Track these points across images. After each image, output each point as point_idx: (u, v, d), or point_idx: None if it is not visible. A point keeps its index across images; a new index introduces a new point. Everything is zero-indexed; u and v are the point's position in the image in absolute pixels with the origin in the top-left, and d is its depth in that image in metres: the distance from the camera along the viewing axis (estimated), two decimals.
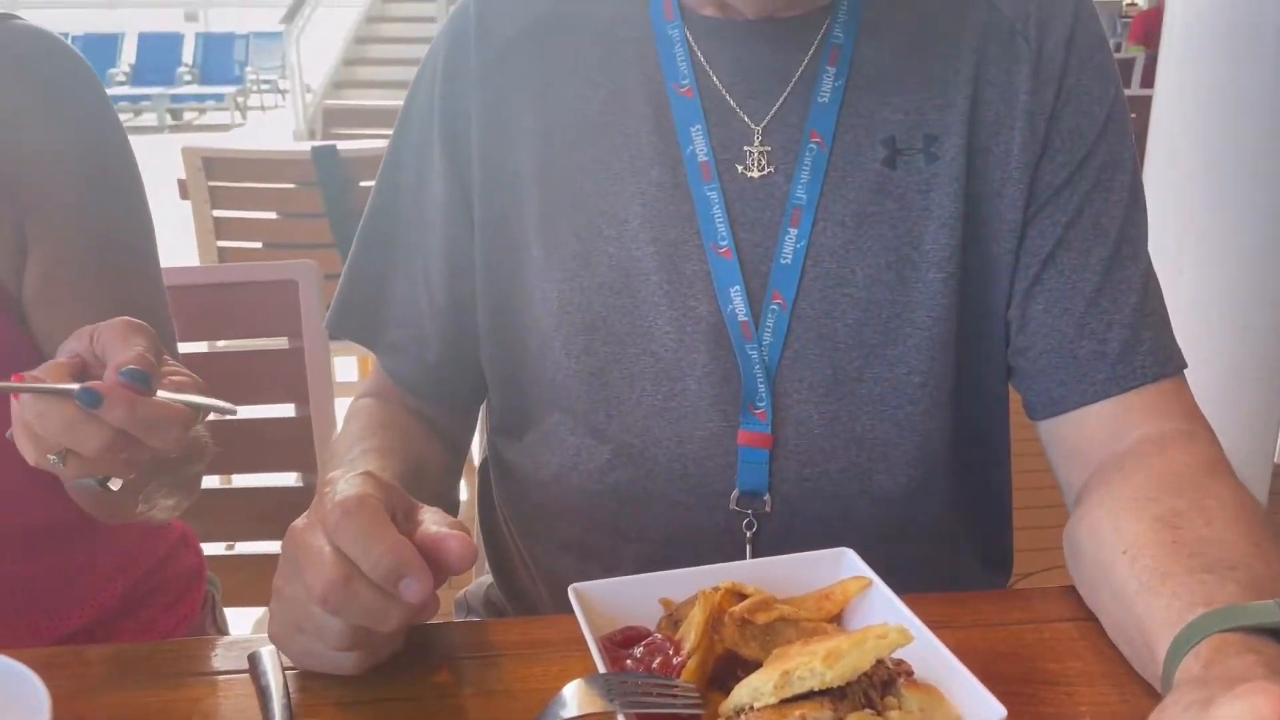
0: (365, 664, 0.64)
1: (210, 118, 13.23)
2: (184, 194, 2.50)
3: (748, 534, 0.82)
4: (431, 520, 0.64)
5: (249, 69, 13.62)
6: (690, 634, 0.59)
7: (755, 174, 0.81)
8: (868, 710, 0.52)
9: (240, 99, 13.31)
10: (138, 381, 0.61)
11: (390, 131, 0.93)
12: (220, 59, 13.53)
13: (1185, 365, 0.82)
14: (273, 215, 2.64)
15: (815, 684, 0.52)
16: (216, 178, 2.47)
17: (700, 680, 0.58)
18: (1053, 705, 0.63)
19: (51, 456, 0.62)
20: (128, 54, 13.42)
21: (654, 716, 0.55)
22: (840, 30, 0.82)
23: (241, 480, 1.51)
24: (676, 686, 0.57)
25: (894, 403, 0.82)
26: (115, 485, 0.68)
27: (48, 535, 0.91)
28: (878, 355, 0.81)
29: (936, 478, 0.86)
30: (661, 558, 0.82)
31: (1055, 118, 0.81)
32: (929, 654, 0.58)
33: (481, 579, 1.09)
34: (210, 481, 1.50)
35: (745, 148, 0.82)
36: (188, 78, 13.27)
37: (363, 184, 2.47)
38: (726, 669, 0.59)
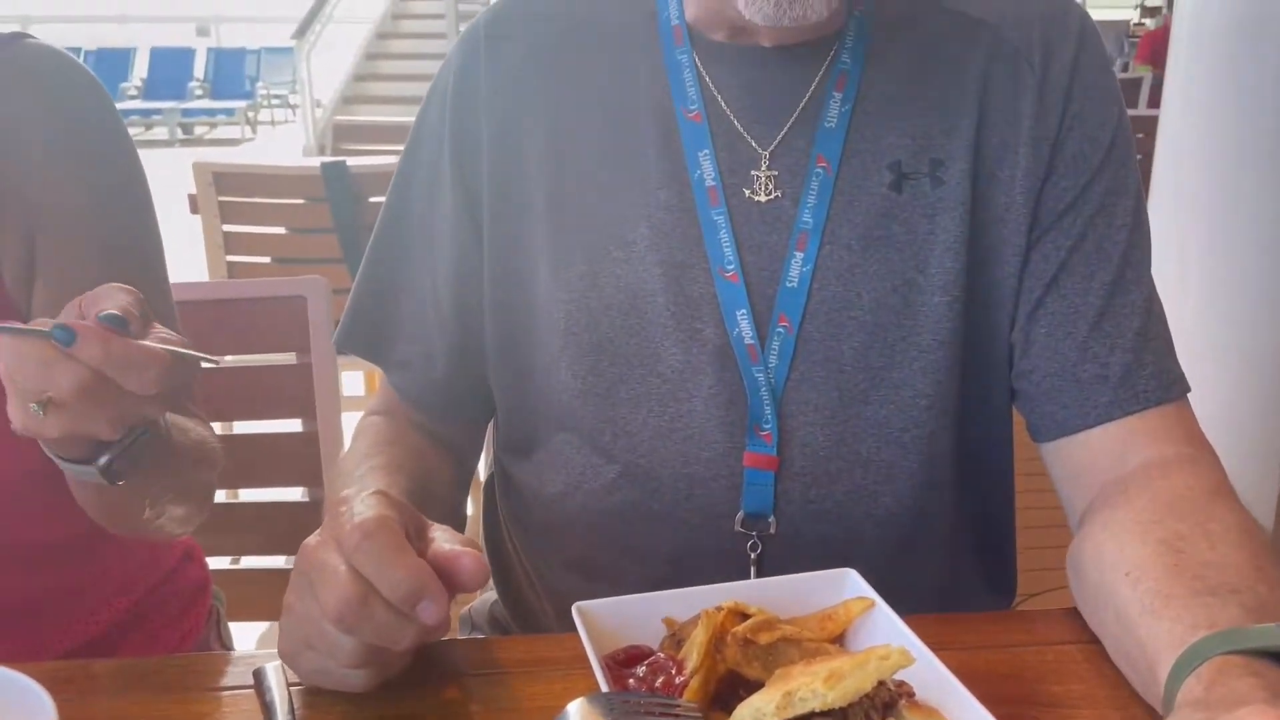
0: (374, 681, 0.64)
1: (221, 132, 13.31)
2: (194, 209, 2.52)
3: (752, 555, 0.83)
4: (443, 538, 0.65)
5: (260, 84, 13.70)
6: (693, 654, 0.60)
7: (762, 198, 0.82)
8: None
9: (251, 114, 13.38)
10: (114, 324, 0.61)
11: (399, 147, 0.94)
12: (231, 74, 13.62)
13: (1188, 389, 0.82)
14: (282, 230, 2.65)
15: (817, 705, 0.52)
16: (226, 193, 2.49)
17: (703, 700, 0.59)
18: None
19: (33, 405, 0.62)
20: (140, 69, 13.51)
21: None
22: (848, 56, 0.83)
23: (248, 494, 1.52)
24: (679, 706, 0.57)
25: (899, 425, 0.82)
26: (106, 462, 0.69)
27: (54, 551, 0.92)
28: (883, 378, 0.82)
29: (940, 500, 0.86)
30: (666, 577, 0.82)
31: (1059, 143, 0.82)
32: (930, 675, 0.58)
33: (486, 595, 1.09)
34: (217, 496, 1.52)
35: (752, 172, 0.82)
36: (199, 92, 13.35)
37: (372, 199, 2.48)
38: (729, 689, 0.60)
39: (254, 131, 13.30)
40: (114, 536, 0.88)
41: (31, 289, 0.85)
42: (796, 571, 0.69)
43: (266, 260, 2.62)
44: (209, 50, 14.36)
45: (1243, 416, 2.17)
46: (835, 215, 0.81)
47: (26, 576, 0.90)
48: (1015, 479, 0.93)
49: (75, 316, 0.64)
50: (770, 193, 0.82)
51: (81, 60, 0.90)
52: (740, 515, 0.83)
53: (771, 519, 0.82)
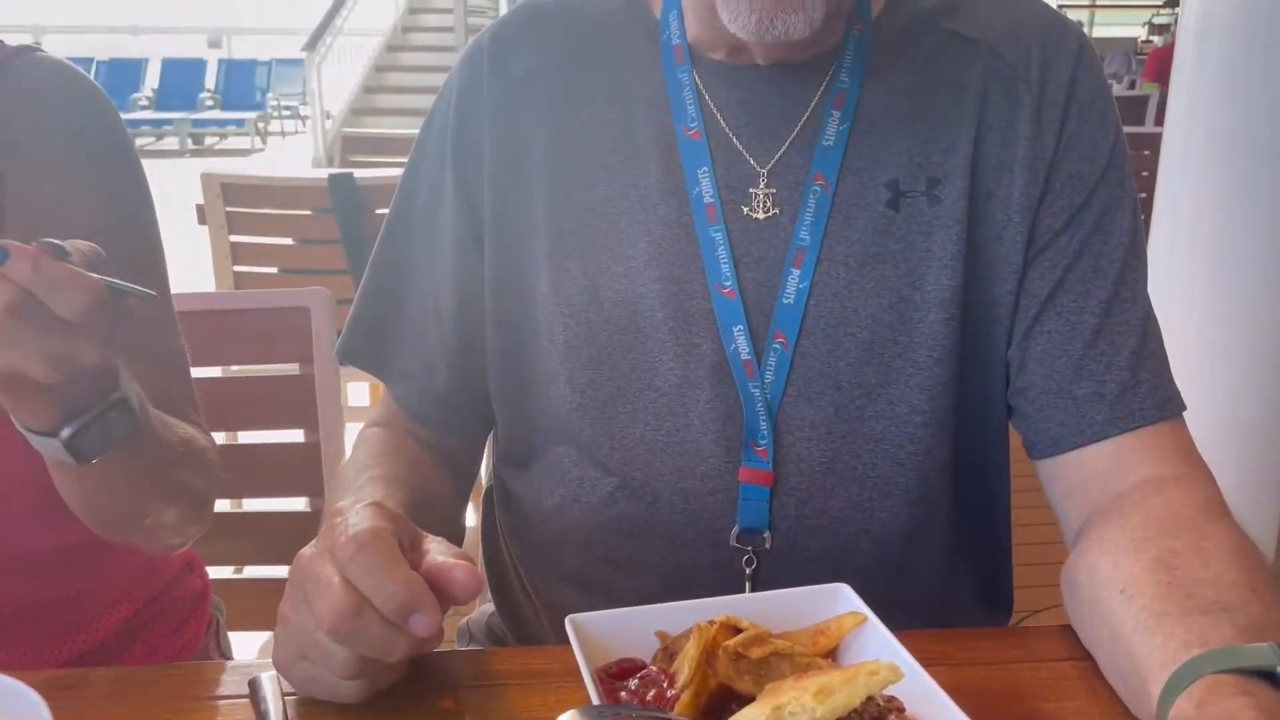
0: (367, 692, 0.64)
1: (231, 143, 13.38)
2: (202, 219, 2.53)
3: (747, 570, 0.83)
4: (437, 550, 0.65)
5: (270, 95, 13.78)
6: (684, 667, 0.60)
7: (760, 215, 0.83)
8: None
9: (261, 125, 13.46)
10: (53, 250, 0.62)
11: (407, 159, 0.95)
12: (242, 85, 13.70)
13: (1184, 408, 0.82)
14: (289, 241, 2.66)
15: (806, 719, 0.53)
16: (234, 204, 2.50)
17: (693, 714, 0.59)
18: None
19: None
20: (151, 79, 13.60)
21: None
22: (846, 75, 0.83)
23: (251, 504, 1.52)
24: (669, 718, 0.57)
25: (895, 442, 0.83)
26: (70, 434, 0.68)
27: (52, 560, 0.92)
28: (879, 395, 0.82)
29: (936, 516, 0.86)
30: (662, 592, 0.82)
31: (1056, 163, 0.82)
32: (921, 691, 0.58)
33: (484, 607, 1.09)
34: (221, 505, 1.52)
35: (751, 190, 0.83)
36: (210, 103, 13.43)
37: (378, 211, 2.49)
38: (720, 703, 0.60)
39: (264, 142, 13.37)
40: (112, 546, 0.88)
41: None
42: (791, 587, 0.69)
43: (273, 271, 2.63)
44: (220, 61, 14.46)
45: (1245, 434, 2.16)
46: (832, 233, 0.82)
47: (25, 585, 0.90)
48: (1012, 496, 0.94)
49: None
50: (768, 210, 0.83)
51: (93, 70, 0.91)
52: (736, 530, 0.83)
53: (767, 534, 0.83)
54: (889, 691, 0.57)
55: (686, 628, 0.63)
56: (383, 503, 0.66)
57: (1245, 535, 0.72)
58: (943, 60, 0.84)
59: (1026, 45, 0.83)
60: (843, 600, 0.67)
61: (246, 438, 1.54)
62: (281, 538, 1.35)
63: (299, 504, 1.39)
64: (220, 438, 1.58)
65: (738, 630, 0.62)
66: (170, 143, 12.83)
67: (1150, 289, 0.85)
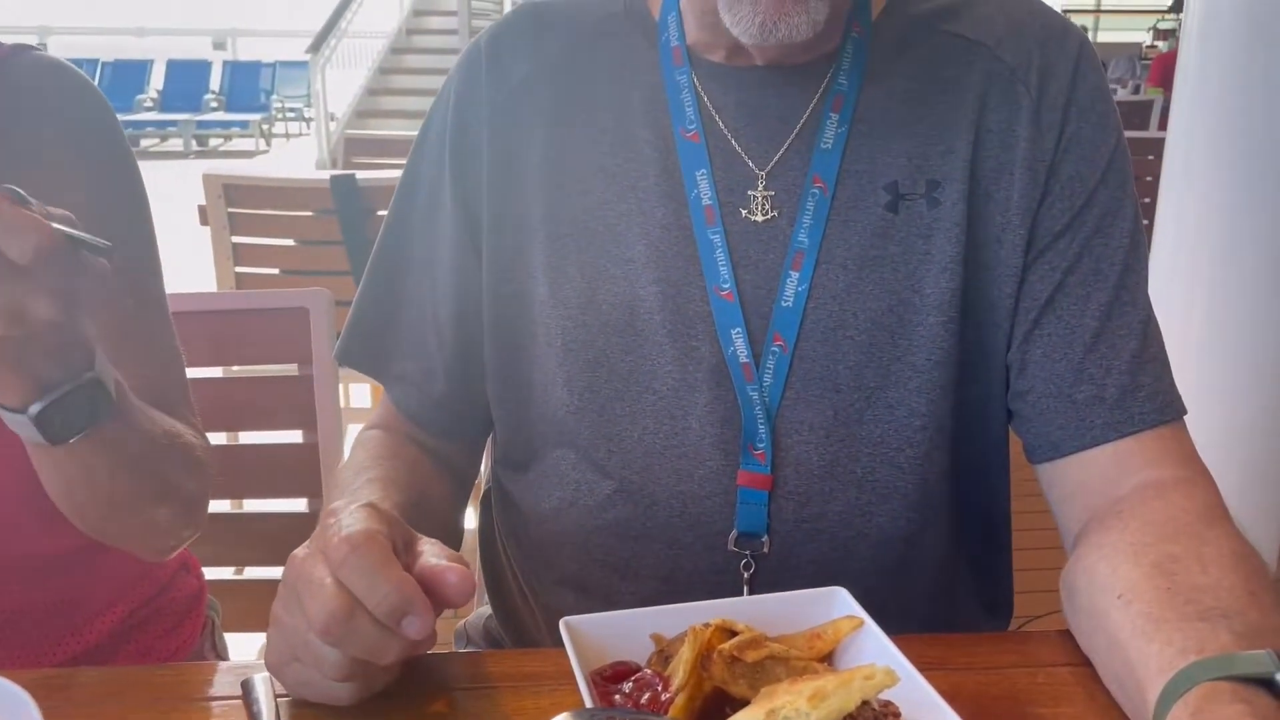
0: (360, 695, 0.64)
1: (235, 144, 13.40)
2: (203, 220, 2.53)
3: (745, 574, 0.83)
4: (431, 552, 0.65)
5: (274, 97, 13.80)
6: (679, 670, 0.60)
7: (759, 218, 0.82)
8: None
9: (265, 126, 13.48)
10: (12, 196, 0.61)
11: None
12: (246, 87, 13.72)
13: (1185, 411, 0.82)
14: (291, 243, 2.67)
15: None
16: (236, 205, 2.51)
17: (688, 717, 0.58)
18: None
19: None
20: (156, 81, 13.62)
21: None
22: (844, 77, 0.83)
23: (250, 505, 1.52)
24: None
25: (894, 445, 0.82)
26: (39, 410, 0.67)
27: (45, 566, 0.91)
28: (878, 398, 0.82)
29: (936, 520, 0.86)
30: (659, 596, 0.82)
31: (1055, 165, 0.82)
32: (917, 696, 0.58)
33: (481, 610, 1.09)
34: (220, 506, 1.52)
35: (749, 192, 0.83)
36: (214, 105, 13.46)
37: (380, 213, 2.49)
38: (715, 706, 0.60)
39: (268, 144, 13.39)
40: (107, 550, 0.87)
41: None
42: (789, 591, 0.69)
43: (275, 272, 2.63)
44: (225, 63, 14.49)
45: (1247, 438, 2.16)
46: (831, 235, 0.82)
47: (18, 590, 0.90)
48: (1012, 501, 0.93)
49: None
50: (767, 213, 0.82)
51: (98, 72, 0.91)
52: (734, 534, 0.82)
53: (765, 538, 0.82)
54: (885, 696, 0.57)
55: (682, 631, 0.63)
56: (377, 504, 0.65)
57: (1245, 541, 0.71)
58: (942, 62, 0.83)
59: (1026, 47, 0.83)
60: (839, 604, 0.67)
61: (246, 438, 1.54)
62: (280, 539, 1.35)
63: (298, 505, 1.38)
64: (220, 438, 1.58)
65: (733, 633, 0.62)
66: (175, 144, 12.86)
67: (1152, 293, 0.85)
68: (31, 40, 0.90)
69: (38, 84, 0.86)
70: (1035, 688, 0.68)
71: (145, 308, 0.91)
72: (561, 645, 0.62)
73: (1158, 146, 2.64)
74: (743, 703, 0.58)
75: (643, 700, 0.59)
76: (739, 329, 0.82)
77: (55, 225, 0.63)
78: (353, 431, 0.98)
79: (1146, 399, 0.80)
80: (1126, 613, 0.65)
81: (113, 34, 15.93)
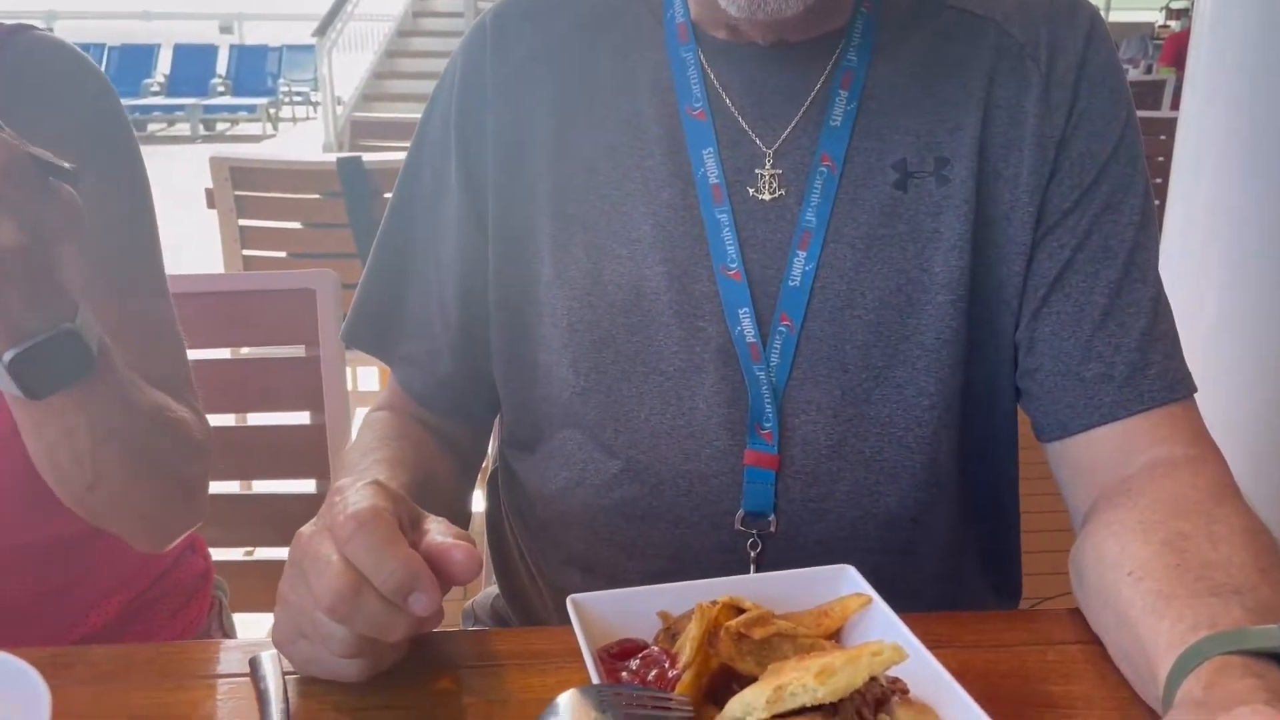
0: (367, 672, 0.64)
1: (243, 129, 13.40)
2: (210, 203, 2.53)
3: (752, 554, 0.82)
4: (437, 530, 0.65)
5: (281, 81, 13.79)
6: (686, 647, 0.59)
7: (766, 196, 0.82)
8: None
9: (272, 110, 13.47)
10: None
11: None
12: (253, 71, 13.70)
13: (1195, 389, 0.81)
14: (298, 225, 2.66)
15: (808, 700, 0.52)
16: (242, 187, 2.50)
17: (695, 694, 0.58)
18: None
19: None
20: (163, 65, 13.62)
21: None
22: (853, 54, 0.82)
23: (258, 486, 1.52)
24: (671, 700, 0.56)
25: (902, 425, 0.82)
26: (12, 357, 0.66)
27: (46, 551, 0.91)
28: (885, 377, 0.81)
29: (944, 501, 0.85)
30: (666, 575, 0.81)
31: (1065, 141, 0.81)
32: (925, 673, 0.58)
33: (489, 589, 1.09)
34: (229, 487, 1.52)
35: (757, 170, 0.82)
36: (221, 89, 13.45)
37: (386, 195, 2.47)
38: (722, 683, 0.59)
39: (275, 128, 13.39)
40: (106, 536, 0.87)
41: None
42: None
43: (282, 255, 2.63)
44: (231, 47, 14.47)
45: (1258, 416, 2.15)
46: (839, 214, 0.81)
47: (21, 577, 0.90)
48: (1021, 484, 0.93)
49: None
50: (774, 191, 0.82)
51: (105, 56, 0.90)
52: (740, 514, 0.82)
53: (772, 518, 0.82)
54: (893, 673, 0.57)
55: (689, 608, 0.63)
56: (384, 482, 0.65)
57: (1256, 518, 0.71)
58: (951, 39, 0.82)
59: (1035, 23, 0.82)
60: (847, 581, 0.67)
61: (254, 420, 1.55)
62: (289, 519, 1.35)
63: (306, 486, 1.38)
64: (227, 420, 1.58)
65: (740, 611, 0.62)
66: (182, 129, 12.85)
67: (1164, 274, 0.84)
68: (39, 24, 0.89)
69: (38, 63, 0.85)
70: (1045, 665, 0.68)
71: (145, 290, 0.90)
72: (568, 623, 0.62)
73: (1170, 126, 2.62)
74: (750, 679, 0.58)
75: (650, 677, 0.59)
76: (746, 309, 0.81)
77: (23, 145, 0.61)
78: (360, 414, 0.98)
79: (1156, 376, 0.79)
80: (1136, 590, 0.65)
81: (119, 18, 15.93)
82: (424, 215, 0.91)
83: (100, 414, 0.75)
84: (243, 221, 2.53)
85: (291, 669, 0.66)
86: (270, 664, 0.67)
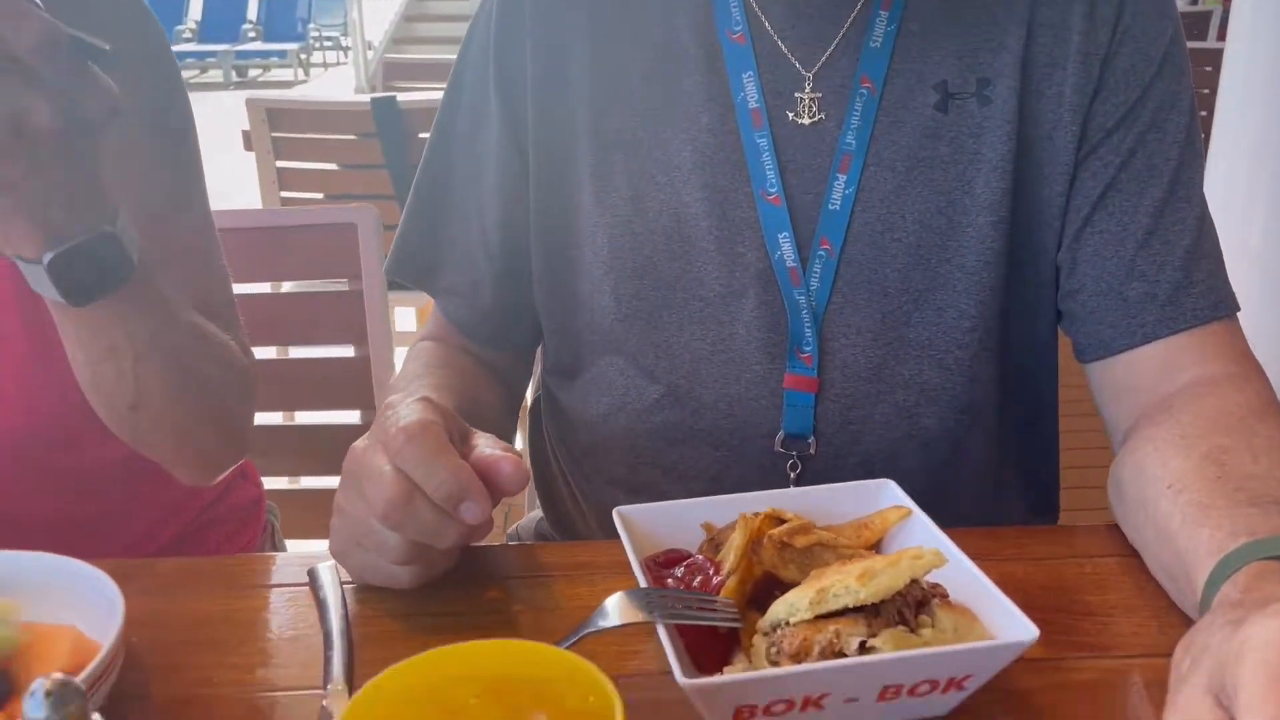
0: (420, 579, 0.66)
1: (274, 75, 13.37)
2: (248, 145, 2.55)
3: (792, 475, 0.84)
4: (485, 444, 0.66)
5: (312, 26, 13.71)
6: (730, 555, 0.61)
7: (806, 120, 0.82)
8: (901, 627, 0.54)
9: (303, 56, 13.41)
10: None
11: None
12: (284, 16, 13.61)
13: (1238, 308, 0.81)
14: (334, 166, 2.68)
15: (850, 601, 0.53)
16: (279, 129, 2.52)
17: (739, 600, 0.60)
18: (1090, 635, 0.63)
19: None
20: (194, 11, 13.57)
21: (692, 628, 0.57)
22: None
23: (303, 418, 1.55)
24: (716, 602, 0.58)
25: (942, 347, 0.82)
26: (52, 259, 0.66)
27: (102, 476, 0.93)
28: (926, 300, 0.81)
29: (983, 423, 0.86)
30: (707, 495, 0.83)
31: (1110, 58, 0.80)
32: (964, 579, 0.59)
33: (533, 514, 1.12)
34: (273, 418, 1.56)
35: (796, 94, 0.82)
36: (252, 35, 13.40)
37: (421, 135, 2.49)
38: (764, 592, 0.61)
39: (306, 74, 13.34)
40: (152, 469, 0.88)
41: None
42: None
43: (319, 196, 2.65)
44: None
45: None
46: (879, 137, 0.81)
47: (76, 503, 0.91)
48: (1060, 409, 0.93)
49: None
50: (814, 115, 0.82)
51: None
52: (780, 436, 0.83)
53: (811, 440, 0.83)
54: (933, 579, 0.58)
55: (732, 520, 0.64)
56: (433, 398, 0.67)
57: None
58: None
59: None
60: (888, 495, 0.68)
61: (297, 353, 1.57)
62: (335, 450, 1.38)
63: (351, 417, 1.41)
64: (270, 353, 1.60)
65: (782, 522, 0.63)
66: (214, 75, 12.85)
67: (1211, 204, 0.83)
68: None
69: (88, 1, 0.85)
70: (1082, 577, 0.69)
71: (187, 215, 0.91)
72: (614, 539, 0.64)
73: (1216, 58, 2.56)
74: (791, 587, 0.59)
75: (695, 584, 0.61)
76: (786, 233, 0.81)
77: (61, 24, 0.60)
78: (400, 353, 0.99)
79: (1200, 295, 0.79)
80: (1176, 502, 0.66)
81: None
82: (464, 147, 0.92)
83: (141, 328, 0.76)
84: (280, 163, 2.55)
85: (348, 579, 0.69)
86: (328, 574, 0.69)
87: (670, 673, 0.51)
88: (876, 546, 0.66)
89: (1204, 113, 2.41)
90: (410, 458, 0.61)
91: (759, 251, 0.82)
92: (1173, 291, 0.79)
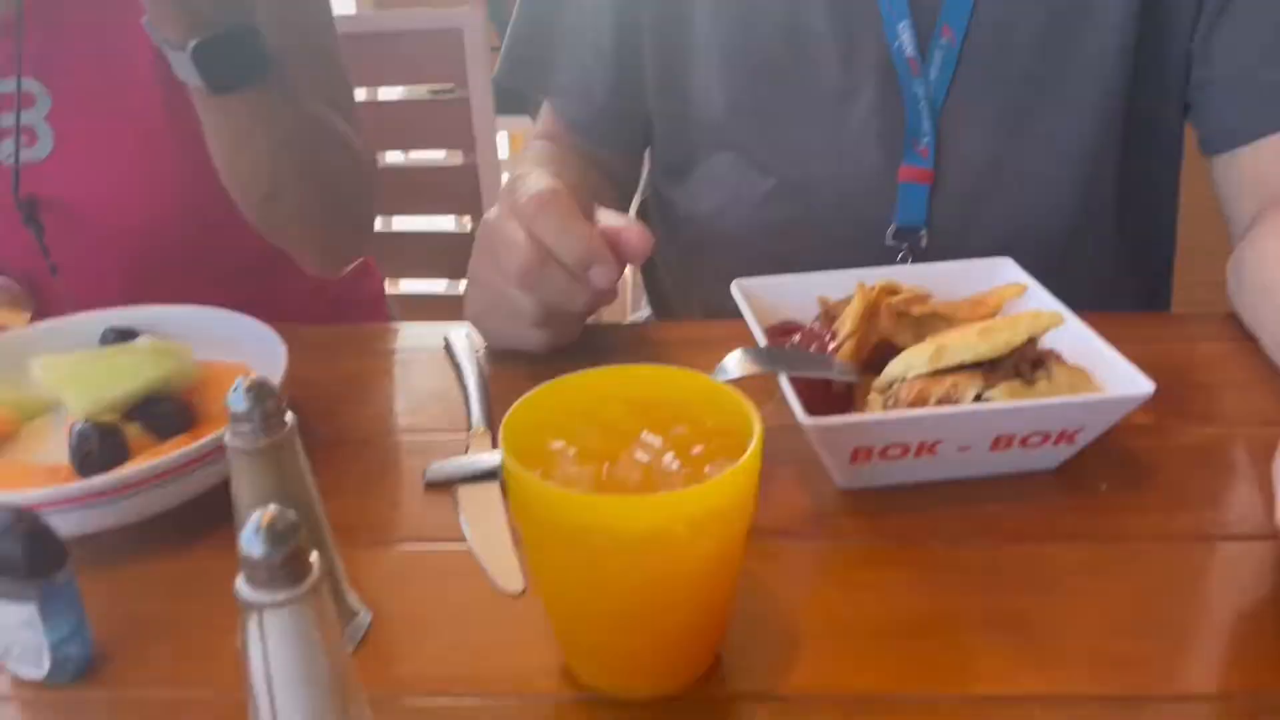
0: (552, 343, 0.69)
1: None
2: None
3: None
4: (609, 216, 0.68)
5: None
6: (847, 322, 0.62)
7: None
8: (1017, 379, 0.55)
9: None
10: None
11: None
12: None
13: None
14: None
15: (969, 356, 0.55)
16: None
17: (855, 363, 0.62)
18: (1200, 405, 0.64)
19: None
20: None
21: (808, 389, 0.58)
22: None
23: (409, 223, 1.59)
24: (833, 359, 0.60)
25: (1062, 141, 0.81)
26: (195, 45, 0.70)
27: (241, 268, 0.97)
28: (1048, 92, 0.80)
29: (1100, 219, 0.85)
30: None
31: None
32: (1081, 343, 0.60)
33: (639, 314, 1.15)
34: (380, 222, 1.59)
35: None
36: None
37: None
38: (880, 358, 0.62)
39: None
40: (293, 261, 0.92)
41: None
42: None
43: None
44: None
45: None
46: None
47: (227, 293, 0.96)
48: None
49: None
50: None
51: None
52: (893, 228, 0.83)
53: (924, 232, 0.83)
54: (1051, 343, 0.59)
55: (848, 293, 0.66)
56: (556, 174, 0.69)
57: None
58: None
59: None
60: (1006, 272, 0.69)
61: (402, 159, 1.59)
62: (439, 254, 1.42)
63: (456, 223, 1.44)
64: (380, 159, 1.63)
65: (898, 293, 0.64)
66: None
67: None
68: None
69: None
70: (1195, 355, 0.70)
71: (314, 19, 0.92)
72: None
73: None
74: None
75: (810, 349, 0.63)
76: (905, 23, 0.80)
77: None
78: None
79: None
80: None
81: None
82: None
83: (276, 120, 0.79)
84: None
85: (481, 345, 0.73)
86: (461, 340, 0.73)
87: (787, 428, 0.53)
88: None
89: None
90: (542, 224, 0.63)
91: (878, 42, 0.80)
92: None
